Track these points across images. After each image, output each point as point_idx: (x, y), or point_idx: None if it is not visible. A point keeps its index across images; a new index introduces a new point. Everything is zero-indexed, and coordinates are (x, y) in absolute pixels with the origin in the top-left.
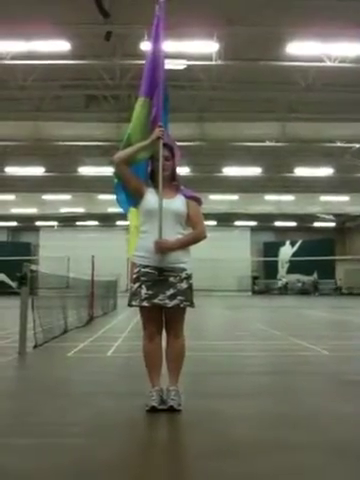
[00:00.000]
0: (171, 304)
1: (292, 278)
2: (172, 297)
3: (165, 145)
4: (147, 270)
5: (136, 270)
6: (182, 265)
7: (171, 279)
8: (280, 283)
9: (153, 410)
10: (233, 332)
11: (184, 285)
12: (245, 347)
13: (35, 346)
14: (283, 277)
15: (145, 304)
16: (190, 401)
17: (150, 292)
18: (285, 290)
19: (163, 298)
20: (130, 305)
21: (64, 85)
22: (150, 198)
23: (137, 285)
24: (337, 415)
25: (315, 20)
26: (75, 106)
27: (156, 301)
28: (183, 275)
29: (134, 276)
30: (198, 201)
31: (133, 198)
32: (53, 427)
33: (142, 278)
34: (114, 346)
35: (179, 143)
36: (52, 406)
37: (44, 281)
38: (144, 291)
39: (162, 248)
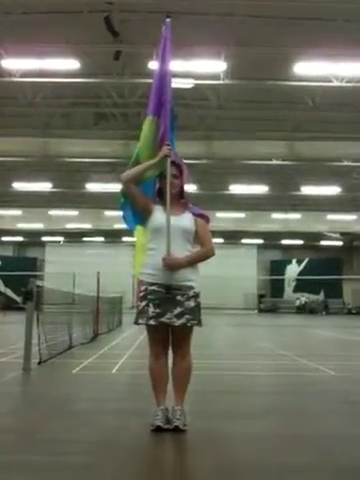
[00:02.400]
0: (178, 323)
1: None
2: (179, 316)
3: (173, 163)
4: (154, 288)
5: (143, 288)
6: (190, 283)
7: (178, 297)
8: (298, 302)
9: (158, 430)
10: (239, 351)
11: (192, 303)
12: (251, 366)
13: (39, 362)
14: (302, 296)
15: (152, 323)
16: (195, 421)
17: (157, 310)
18: (303, 310)
19: (170, 317)
20: (137, 323)
21: (73, 102)
22: (158, 216)
23: (144, 303)
24: (345, 436)
25: (322, 40)
26: (84, 123)
27: (163, 320)
28: (191, 293)
29: (141, 294)
30: (206, 219)
31: (141, 216)
32: (57, 445)
33: (149, 296)
34: (119, 363)
35: (186, 161)
36: (56, 424)
37: (49, 297)
38: (151, 309)
39: (171, 265)
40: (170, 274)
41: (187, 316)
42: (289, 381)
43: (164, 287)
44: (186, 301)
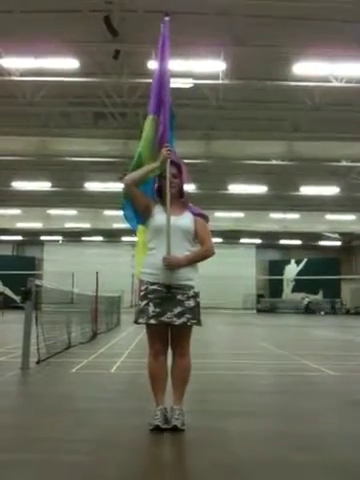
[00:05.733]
0: (178, 322)
1: (297, 297)
2: (179, 315)
3: (173, 163)
4: (155, 287)
5: (143, 287)
6: (190, 282)
7: (179, 297)
8: (305, 302)
9: (157, 429)
10: (238, 351)
11: (192, 303)
12: (250, 366)
13: (38, 361)
14: (307, 297)
15: (152, 322)
16: (194, 420)
17: (158, 310)
18: (308, 310)
19: (171, 316)
20: (137, 322)
21: (72, 102)
22: (158, 215)
23: (145, 302)
24: (342, 435)
25: (321, 41)
26: (83, 123)
27: (163, 319)
28: (190, 293)
29: (141, 293)
30: (205, 218)
31: (141, 216)
32: (55, 444)
33: (150, 295)
34: (118, 363)
35: (185, 161)
36: (54, 422)
37: (48, 296)
38: (152, 309)
39: (171, 264)
40: (170, 273)
41: (187, 315)
42: (288, 381)
43: (164, 286)
44: (186, 300)
